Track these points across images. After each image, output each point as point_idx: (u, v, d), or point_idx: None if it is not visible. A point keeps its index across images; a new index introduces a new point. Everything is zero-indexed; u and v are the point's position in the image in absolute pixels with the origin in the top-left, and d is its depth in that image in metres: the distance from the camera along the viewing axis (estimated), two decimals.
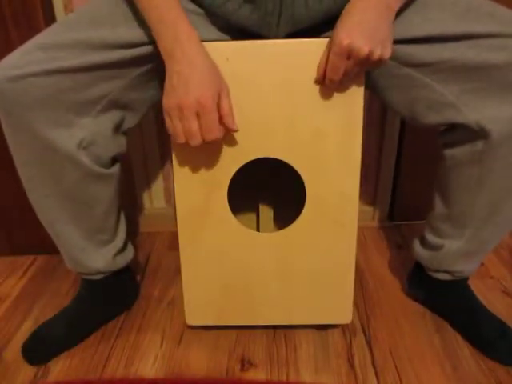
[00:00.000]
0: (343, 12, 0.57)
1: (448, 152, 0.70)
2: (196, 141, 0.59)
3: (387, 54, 0.57)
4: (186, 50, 0.57)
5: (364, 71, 0.62)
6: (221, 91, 0.59)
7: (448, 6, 0.61)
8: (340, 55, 0.56)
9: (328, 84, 0.61)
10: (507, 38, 0.59)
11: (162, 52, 0.58)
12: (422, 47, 0.61)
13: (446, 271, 0.80)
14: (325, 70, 0.60)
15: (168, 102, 0.59)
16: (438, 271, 0.81)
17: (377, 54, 0.56)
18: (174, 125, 0.59)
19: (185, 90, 0.56)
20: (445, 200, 0.75)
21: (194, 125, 0.58)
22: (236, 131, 0.62)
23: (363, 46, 0.54)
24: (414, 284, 0.90)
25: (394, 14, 0.58)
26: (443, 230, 0.76)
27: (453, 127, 0.67)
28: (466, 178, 0.69)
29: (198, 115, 0.57)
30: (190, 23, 0.58)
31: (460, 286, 0.83)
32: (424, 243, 0.82)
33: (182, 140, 0.60)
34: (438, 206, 0.76)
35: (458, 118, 0.64)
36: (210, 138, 0.59)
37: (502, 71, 0.60)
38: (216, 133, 0.59)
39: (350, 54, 0.56)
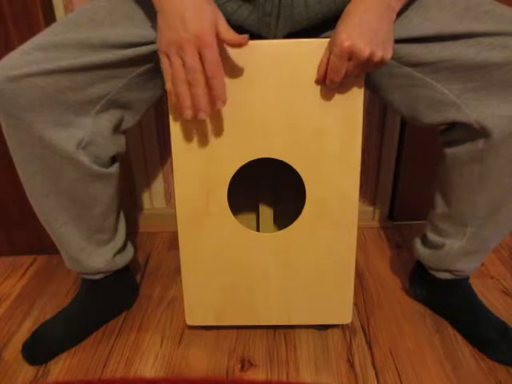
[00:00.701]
0: (343, 13, 0.57)
1: (449, 151, 0.70)
2: (199, 77, 0.55)
3: (388, 55, 0.57)
4: None
5: (365, 72, 0.62)
6: (217, 19, 0.55)
7: (447, 5, 0.61)
8: (341, 57, 0.56)
9: (328, 85, 0.61)
10: (507, 37, 0.59)
11: None
12: (422, 46, 0.61)
13: (447, 270, 0.80)
14: (325, 71, 0.60)
15: (165, 39, 0.55)
16: (439, 270, 0.81)
17: (378, 55, 0.56)
18: (173, 63, 0.55)
19: (182, 26, 0.53)
20: (446, 199, 0.75)
21: (195, 60, 0.54)
22: (247, 42, 0.57)
23: (364, 48, 0.54)
24: (414, 283, 0.90)
25: (394, 15, 0.57)
26: (444, 228, 0.76)
27: (453, 126, 0.67)
28: (467, 176, 0.69)
29: (198, 50, 0.54)
30: None
31: (461, 285, 0.83)
32: (425, 242, 0.82)
33: (182, 76, 0.55)
34: (439, 204, 0.76)
35: (459, 117, 0.64)
36: (214, 73, 0.55)
37: (502, 70, 0.60)
38: (220, 68, 0.56)
39: (350, 55, 0.56)
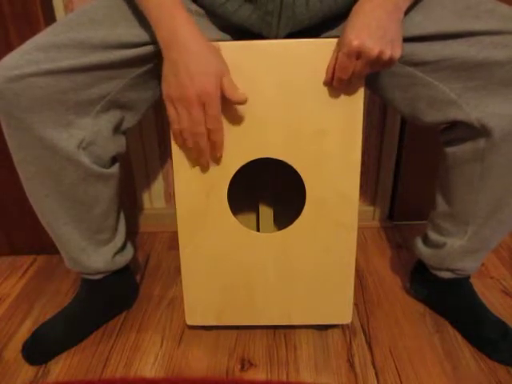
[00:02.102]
0: (352, 13, 0.57)
1: (450, 150, 0.70)
2: (201, 129, 0.60)
3: (397, 53, 0.57)
4: (185, 41, 0.56)
5: (374, 72, 0.62)
6: (223, 74, 0.58)
7: (448, 3, 0.61)
8: (349, 56, 0.56)
9: (336, 84, 0.61)
10: (508, 36, 0.59)
11: (160, 42, 0.59)
12: (423, 45, 0.61)
13: (448, 269, 0.80)
14: (334, 73, 0.61)
15: (173, 92, 0.58)
16: (440, 269, 0.81)
17: (387, 54, 0.56)
18: (179, 114, 0.60)
19: (189, 81, 0.56)
20: (447, 198, 0.75)
21: (200, 114, 0.59)
22: (245, 102, 0.61)
23: (373, 47, 0.55)
24: (415, 282, 0.90)
25: (402, 14, 0.58)
26: (446, 228, 0.76)
27: (454, 125, 0.67)
28: (468, 175, 0.69)
29: (202, 104, 0.58)
30: (186, 10, 0.58)
31: (462, 284, 0.84)
32: (426, 241, 0.82)
33: (187, 126, 0.60)
34: (440, 204, 0.76)
35: (460, 116, 0.64)
36: (214, 124, 0.60)
37: (503, 69, 0.60)
38: (220, 122, 0.61)
39: (359, 54, 0.56)
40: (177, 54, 0.57)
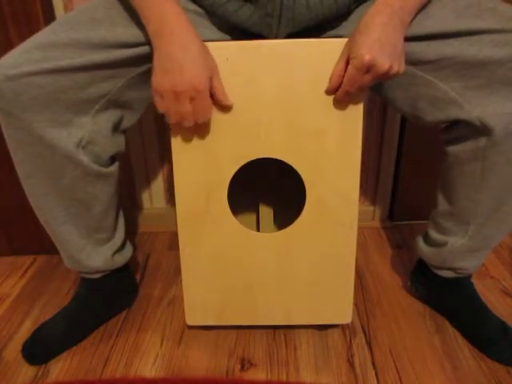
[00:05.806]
0: (361, 25, 0.57)
1: (451, 149, 0.70)
2: (189, 123, 0.61)
3: (403, 67, 0.58)
4: (175, 31, 0.56)
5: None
6: (213, 73, 0.59)
7: (449, 2, 0.61)
8: (360, 70, 0.57)
9: (342, 95, 0.62)
10: (509, 34, 0.59)
11: (151, 34, 0.58)
12: (423, 44, 0.62)
13: (449, 268, 0.80)
14: (337, 82, 0.61)
15: (161, 83, 0.58)
16: (441, 268, 0.81)
17: (395, 69, 0.57)
18: (166, 106, 0.59)
19: (180, 74, 0.56)
20: (448, 197, 0.75)
21: (188, 108, 0.59)
22: (231, 105, 0.64)
23: (384, 62, 0.55)
24: (416, 281, 0.90)
25: (406, 29, 0.58)
26: (447, 227, 0.76)
27: (455, 124, 0.67)
28: (469, 174, 0.69)
29: (191, 98, 0.58)
30: (177, 2, 0.58)
31: (463, 283, 0.84)
32: (427, 240, 0.82)
33: (174, 120, 0.61)
34: (441, 203, 0.76)
35: (461, 115, 0.64)
36: (203, 119, 0.61)
37: (504, 67, 0.60)
38: (209, 114, 0.62)
39: (370, 68, 0.56)
40: (168, 45, 0.56)
